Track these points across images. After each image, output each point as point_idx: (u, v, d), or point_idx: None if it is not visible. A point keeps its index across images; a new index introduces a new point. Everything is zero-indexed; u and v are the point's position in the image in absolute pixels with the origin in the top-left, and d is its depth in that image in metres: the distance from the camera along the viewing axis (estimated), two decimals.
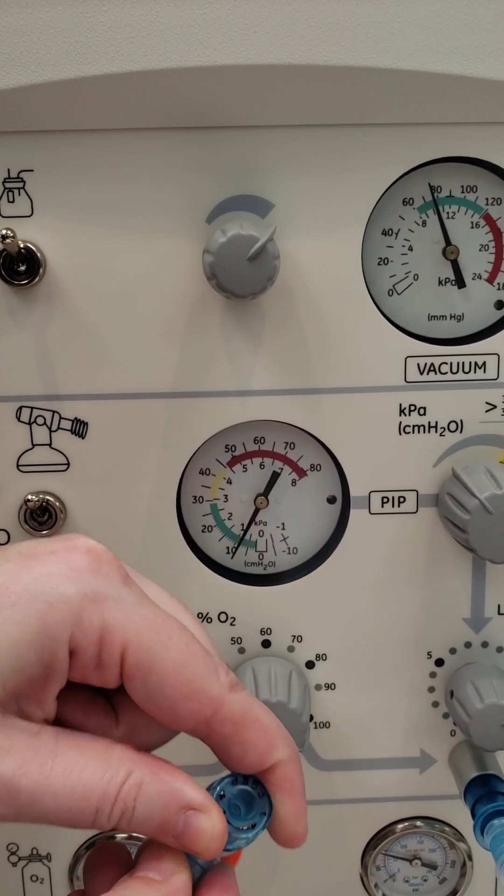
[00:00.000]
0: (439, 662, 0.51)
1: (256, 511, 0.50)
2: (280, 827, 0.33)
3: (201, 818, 0.30)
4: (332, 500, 0.50)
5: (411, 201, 0.46)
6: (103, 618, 0.29)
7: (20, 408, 0.47)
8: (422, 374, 0.47)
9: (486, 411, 0.48)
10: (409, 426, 0.48)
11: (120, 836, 0.53)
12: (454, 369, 0.47)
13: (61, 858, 0.53)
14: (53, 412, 0.47)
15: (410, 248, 0.47)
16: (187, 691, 0.30)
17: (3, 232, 0.42)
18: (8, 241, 0.42)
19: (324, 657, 0.50)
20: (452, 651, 0.51)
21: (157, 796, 0.30)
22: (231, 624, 0.50)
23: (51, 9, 0.41)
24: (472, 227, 0.47)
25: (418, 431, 0.48)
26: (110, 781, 0.29)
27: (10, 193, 0.44)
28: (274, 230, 0.42)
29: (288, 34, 0.41)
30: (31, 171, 0.44)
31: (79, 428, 0.47)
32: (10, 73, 0.41)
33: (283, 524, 0.50)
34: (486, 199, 0.47)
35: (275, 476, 0.49)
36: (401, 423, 0.48)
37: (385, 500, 0.49)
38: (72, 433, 0.47)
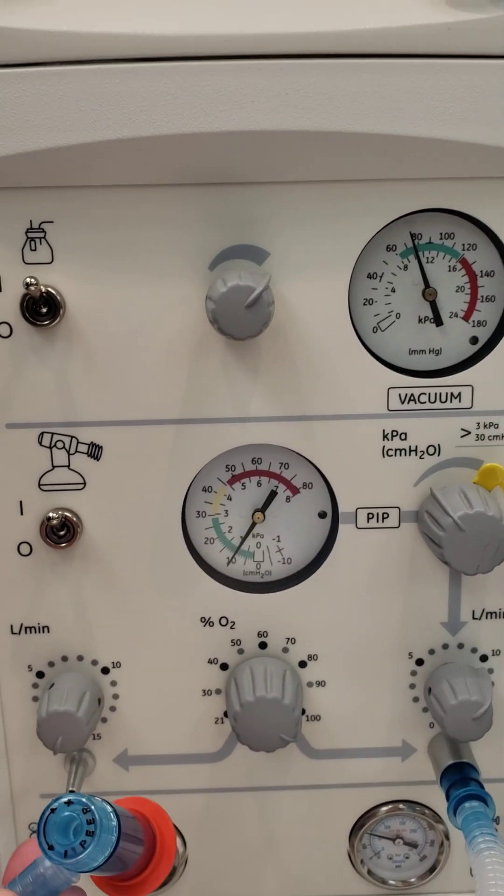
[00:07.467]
0: (419, 662, 0.54)
1: (253, 525, 0.54)
2: None
3: None
4: (322, 515, 0.54)
5: (394, 247, 0.50)
6: None
7: (42, 433, 0.51)
8: (403, 403, 0.51)
9: (462, 437, 0.51)
10: (391, 450, 0.52)
11: None
12: (432, 399, 0.51)
13: None
14: (71, 437, 0.51)
15: (393, 290, 0.50)
16: None
17: (27, 280, 0.47)
18: (32, 287, 0.47)
19: (315, 657, 0.54)
20: (431, 652, 0.54)
21: None
22: (231, 627, 0.54)
23: (70, 80, 0.44)
24: (450, 271, 0.50)
25: (400, 454, 0.52)
26: None
27: (33, 242, 0.48)
28: (269, 280, 0.46)
29: (282, 103, 0.44)
30: (52, 222, 0.48)
31: (94, 451, 0.51)
32: (34, 137, 0.45)
33: (278, 537, 0.54)
34: (463, 244, 0.50)
35: (272, 494, 0.54)
36: (384, 446, 0.51)
37: (370, 515, 0.52)
38: (88, 456, 0.51)
